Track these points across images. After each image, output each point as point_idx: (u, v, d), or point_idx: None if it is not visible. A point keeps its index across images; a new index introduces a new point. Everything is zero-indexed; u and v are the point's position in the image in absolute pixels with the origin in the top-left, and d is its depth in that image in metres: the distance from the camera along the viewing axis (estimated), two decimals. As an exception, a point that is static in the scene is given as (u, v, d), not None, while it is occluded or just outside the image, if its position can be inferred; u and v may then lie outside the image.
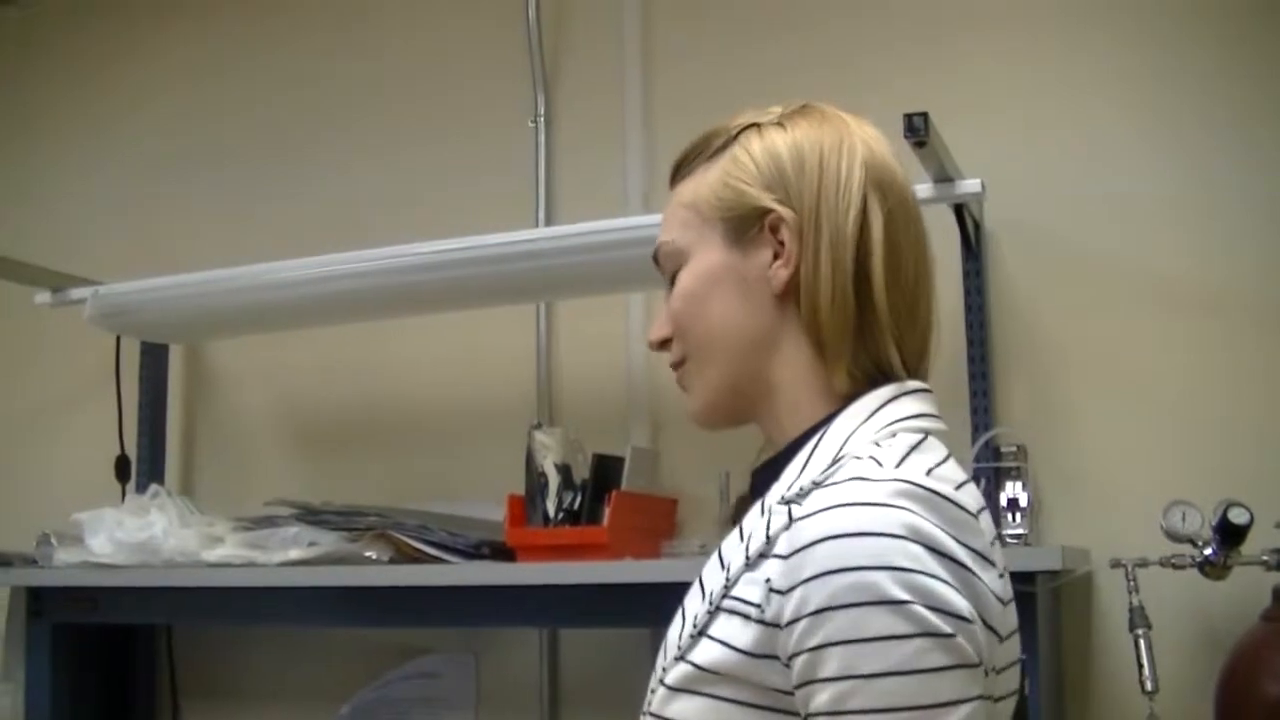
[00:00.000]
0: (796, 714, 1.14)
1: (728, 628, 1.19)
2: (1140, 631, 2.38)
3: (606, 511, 2.58)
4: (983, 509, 1.26)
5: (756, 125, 1.41)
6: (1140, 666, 2.34)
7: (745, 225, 1.36)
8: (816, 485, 1.21)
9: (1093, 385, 2.72)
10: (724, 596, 1.21)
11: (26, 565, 3.04)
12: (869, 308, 1.32)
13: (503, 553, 2.68)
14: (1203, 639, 2.53)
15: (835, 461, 1.25)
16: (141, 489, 3.23)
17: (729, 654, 1.17)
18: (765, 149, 1.38)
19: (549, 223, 3.21)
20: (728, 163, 1.39)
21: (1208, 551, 2.38)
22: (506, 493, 2.71)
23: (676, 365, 1.44)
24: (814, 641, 1.10)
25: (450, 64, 3.46)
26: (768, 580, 1.16)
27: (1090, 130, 2.79)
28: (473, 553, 2.69)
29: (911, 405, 1.32)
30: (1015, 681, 1.31)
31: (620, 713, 1.74)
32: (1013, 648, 1.28)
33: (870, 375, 1.33)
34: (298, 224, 3.52)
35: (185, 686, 3.47)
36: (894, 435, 1.28)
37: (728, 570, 1.23)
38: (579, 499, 2.66)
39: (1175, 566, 2.42)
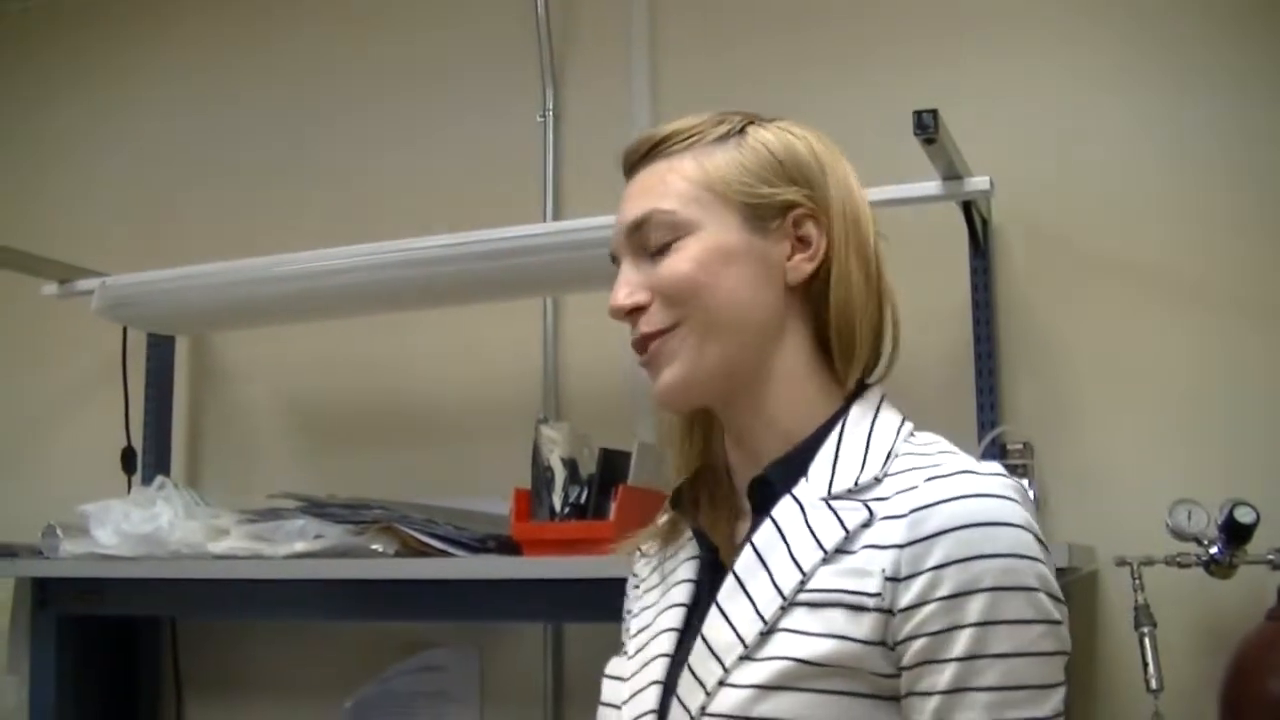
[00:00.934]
0: (894, 698, 1.20)
1: (832, 620, 1.22)
2: (1145, 630, 2.38)
3: (613, 506, 2.58)
4: None
5: (758, 119, 1.44)
6: (1145, 665, 2.35)
7: (767, 214, 1.38)
8: (878, 480, 1.29)
9: (1099, 383, 2.72)
10: (800, 591, 1.25)
11: (32, 556, 3.03)
12: (883, 311, 1.40)
13: (508, 547, 2.67)
14: (1208, 638, 2.53)
15: (890, 456, 1.31)
16: (147, 481, 3.22)
17: (844, 644, 1.21)
18: (783, 145, 1.41)
19: (556, 217, 3.22)
20: (744, 151, 1.40)
21: (1213, 550, 2.38)
22: (512, 487, 2.71)
23: (658, 333, 1.39)
24: (942, 624, 1.18)
25: (458, 59, 3.46)
26: (882, 570, 1.21)
27: (1099, 128, 2.79)
28: (478, 546, 2.69)
29: (894, 407, 1.41)
30: None
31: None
32: None
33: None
34: (305, 217, 3.53)
35: (190, 678, 3.48)
36: (913, 434, 1.36)
37: (799, 566, 1.26)
38: (585, 493, 2.65)
39: (1181, 565, 2.42)
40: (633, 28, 3.24)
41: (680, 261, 1.37)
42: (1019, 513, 1.23)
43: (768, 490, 1.36)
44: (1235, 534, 2.33)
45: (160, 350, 3.52)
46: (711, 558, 1.42)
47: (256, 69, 3.73)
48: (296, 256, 2.98)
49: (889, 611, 1.20)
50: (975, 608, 1.18)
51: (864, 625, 1.21)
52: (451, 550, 2.66)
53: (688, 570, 1.44)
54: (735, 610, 1.29)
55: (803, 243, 1.39)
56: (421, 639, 3.18)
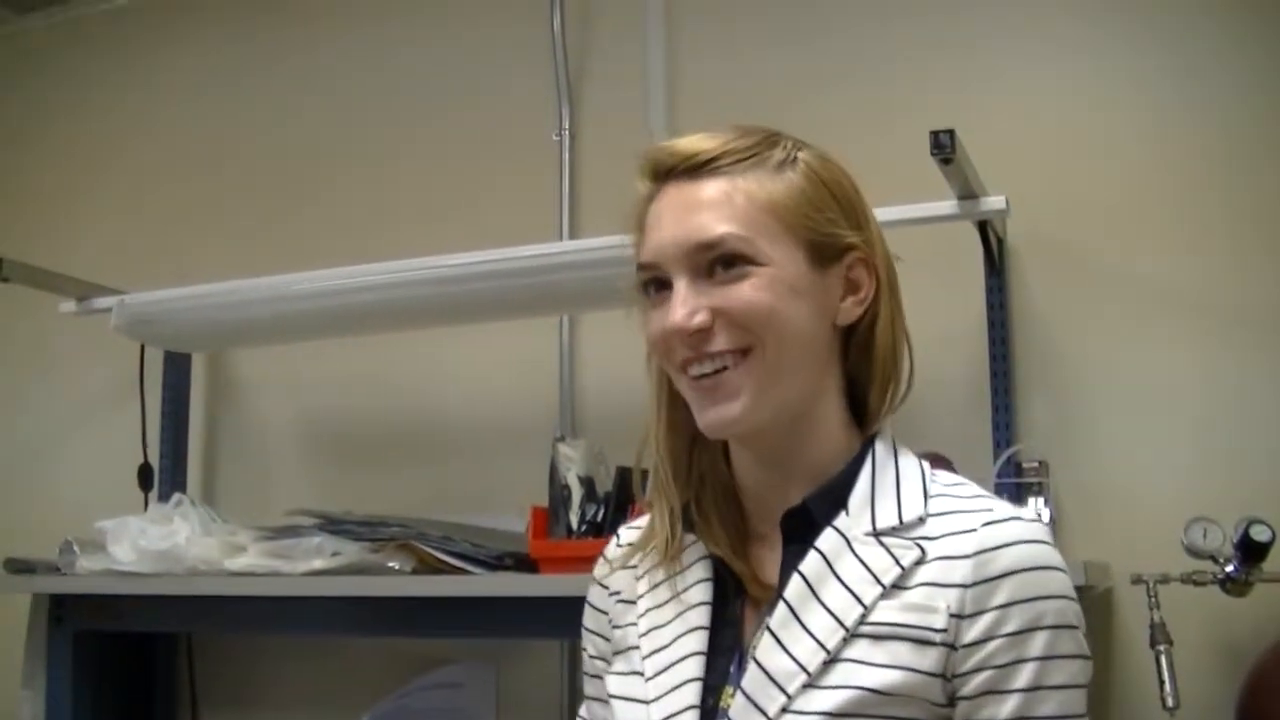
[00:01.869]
0: None
1: (897, 652, 1.28)
2: (1161, 647, 2.37)
3: (629, 524, 2.58)
4: None
5: (801, 143, 1.44)
6: (1161, 683, 2.34)
7: (828, 254, 1.39)
8: (922, 520, 1.35)
9: (1115, 401, 2.72)
10: (861, 623, 1.30)
11: (49, 572, 3.04)
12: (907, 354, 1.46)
13: (525, 564, 2.68)
14: (1224, 656, 2.53)
15: (929, 496, 1.37)
16: (164, 497, 3.23)
17: (910, 675, 1.27)
18: (835, 180, 1.42)
19: (572, 236, 3.23)
20: (806, 183, 1.39)
21: (1229, 568, 2.38)
22: (529, 504, 2.72)
23: (721, 354, 1.36)
24: (1008, 658, 1.26)
25: (474, 77, 3.47)
26: (947, 607, 1.28)
27: (1114, 147, 2.80)
28: (495, 564, 2.69)
29: (903, 442, 1.47)
30: None
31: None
32: None
33: None
34: (321, 235, 3.54)
35: (205, 695, 3.48)
36: (934, 474, 1.42)
37: (858, 599, 1.31)
38: (602, 511, 2.66)
39: (1196, 583, 2.42)
40: (648, 45, 3.25)
41: (757, 292, 1.35)
42: (1059, 557, 1.33)
43: (803, 520, 1.38)
44: (1251, 552, 2.33)
45: (177, 367, 3.53)
46: (726, 579, 1.43)
47: (275, 90, 3.75)
48: (312, 275, 2.99)
49: (952, 646, 1.28)
50: (1038, 644, 1.27)
51: (928, 658, 1.27)
52: (468, 567, 2.67)
53: (701, 592, 1.44)
54: (791, 639, 1.32)
55: (852, 285, 1.40)
56: (438, 656, 3.17)
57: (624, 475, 2.67)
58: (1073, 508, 2.69)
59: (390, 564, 2.69)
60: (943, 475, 1.42)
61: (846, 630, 1.29)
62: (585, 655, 1.60)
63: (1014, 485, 2.62)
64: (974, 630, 1.27)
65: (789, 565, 1.36)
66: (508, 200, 3.35)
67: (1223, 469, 2.61)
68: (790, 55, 3.11)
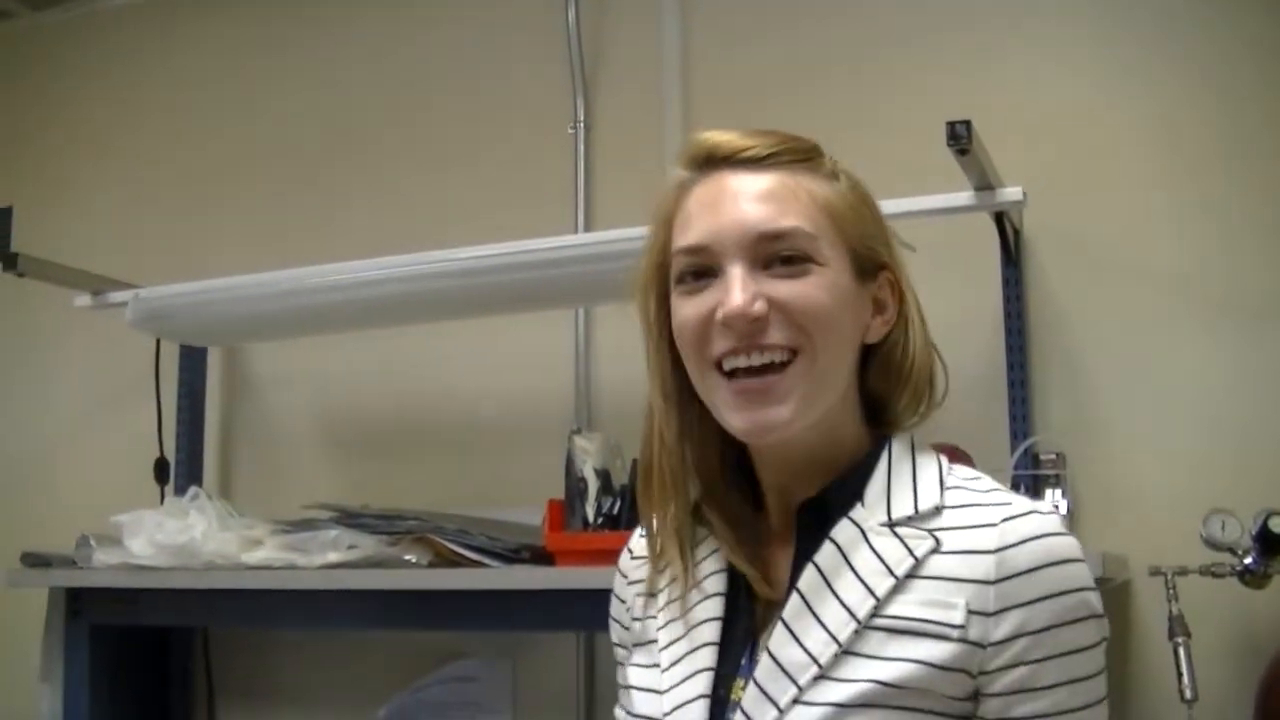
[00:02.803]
0: (961, 717, 1.27)
1: (912, 646, 1.26)
2: (1179, 640, 2.37)
3: (645, 517, 2.58)
4: None
5: (836, 162, 1.43)
6: (1179, 675, 2.33)
7: (867, 269, 1.39)
8: (938, 510, 1.33)
9: (1132, 393, 2.71)
10: (874, 615, 1.28)
11: (66, 566, 3.05)
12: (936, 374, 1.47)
13: (542, 557, 2.68)
14: (1242, 647, 2.52)
15: (945, 488, 1.36)
16: (180, 491, 3.24)
17: (924, 669, 1.25)
18: (873, 201, 1.43)
19: (588, 228, 3.23)
20: (853, 196, 1.39)
21: (1248, 560, 2.38)
22: (546, 497, 2.72)
23: (779, 348, 1.32)
24: (1038, 654, 1.25)
25: (489, 71, 3.47)
26: (966, 603, 1.26)
27: (1132, 138, 2.79)
28: (512, 557, 2.69)
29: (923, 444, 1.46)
30: None
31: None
32: None
33: None
34: (336, 229, 3.54)
35: (222, 688, 3.49)
36: (951, 469, 1.40)
37: (871, 591, 1.29)
38: (618, 504, 2.66)
39: (1215, 575, 2.41)
40: (663, 38, 3.24)
41: (819, 290, 1.32)
42: (1078, 547, 1.31)
43: (819, 512, 1.37)
44: (1270, 544, 2.33)
45: (193, 361, 3.54)
46: (738, 576, 1.43)
47: (290, 82, 3.75)
48: (327, 268, 2.99)
49: (977, 644, 1.25)
50: (1067, 637, 1.26)
51: (944, 653, 1.25)
52: (485, 561, 2.67)
53: (716, 583, 1.44)
54: (803, 630, 1.31)
55: (879, 305, 1.40)
56: (454, 649, 3.19)
57: (640, 468, 2.67)
58: (1090, 500, 2.68)
59: (407, 557, 2.69)
60: (960, 469, 1.41)
61: (859, 622, 1.28)
62: (613, 644, 1.60)
63: (1031, 477, 2.62)
64: (1002, 628, 1.25)
65: (803, 556, 1.35)
66: (523, 193, 3.34)
67: (1241, 461, 2.60)
68: (805, 47, 3.10)
